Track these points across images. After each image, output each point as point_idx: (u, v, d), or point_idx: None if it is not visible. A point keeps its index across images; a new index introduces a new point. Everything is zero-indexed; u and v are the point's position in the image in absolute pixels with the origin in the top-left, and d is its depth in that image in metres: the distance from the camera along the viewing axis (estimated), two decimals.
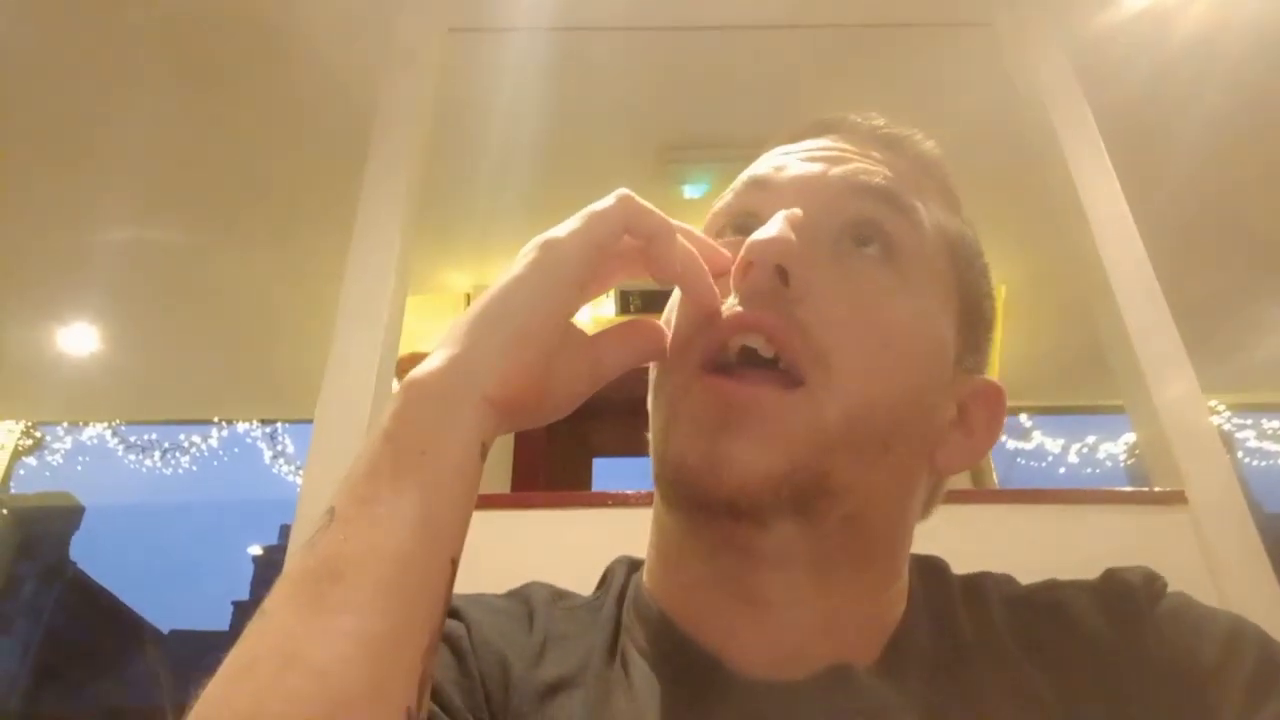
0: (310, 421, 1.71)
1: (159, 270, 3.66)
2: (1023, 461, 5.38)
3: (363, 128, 2.11)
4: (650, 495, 1.53)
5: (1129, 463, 5.35)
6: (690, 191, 2.99)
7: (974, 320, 0.62)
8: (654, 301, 3.58)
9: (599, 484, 3.49)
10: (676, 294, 0.59)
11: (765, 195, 0.59)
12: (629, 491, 1.47)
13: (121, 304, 3.88)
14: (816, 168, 0.60)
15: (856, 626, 0.54)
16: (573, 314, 0.51)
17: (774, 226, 0.52)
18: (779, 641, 0.53)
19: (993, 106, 2.55)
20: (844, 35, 2.57)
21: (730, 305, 0.54)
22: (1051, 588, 0.58)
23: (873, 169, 0.59)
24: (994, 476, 3.84)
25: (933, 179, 0.64)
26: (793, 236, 0.52)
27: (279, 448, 5.66)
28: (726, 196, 0.64)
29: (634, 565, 0.65)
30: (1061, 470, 5.43)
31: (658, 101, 2.84)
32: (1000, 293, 3.89)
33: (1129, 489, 1.59)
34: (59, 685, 14.54)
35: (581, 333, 0.53)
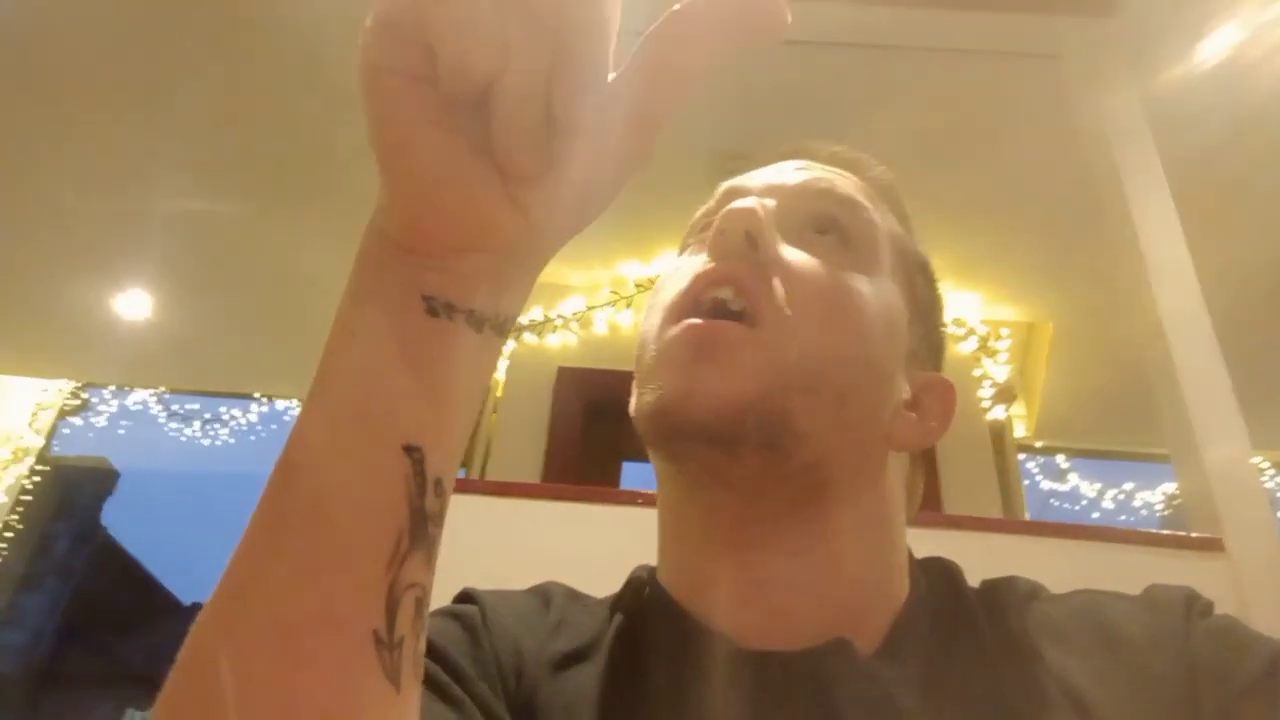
0: None
1: (215, 242, 3.74)
2: (1056, 503, 5.30)
3: None
4: None
5: (1165, 514, 5.24)
6: (741, 204, 2.99)
7: (925, 323, 0.67)
8: None
9: (627, 488, 3.50)
10: (656, 289, 0.65)
11: (739, 198, 0.65)
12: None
13: (176, 273, 3.97)
14: (782, 175, 0.68)
15: (850, 599, 0.57)
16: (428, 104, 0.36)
17: (745, 201, 0.60)
18: (774, 610, 0.57)
19: (1053, 139, 2.53)
20: (909, 57, 2.56)
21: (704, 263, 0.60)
22: (1086, 592, 0.60)
23: (830, 177, 0.67)
24: (1025, 514, 3.79)
25: (886, 197, 0.70)
26: (760, 209, 0.59)
27: None
28: (706, 204, 0.71)
29: (653, 571, 0.67)
30: (1095, 515, 5.34)
31: (718, 109, 2.84)
32: (1047, 329, 3.85)
33: (1165, 532, 1.56)
34: (82, 644, 14.82)
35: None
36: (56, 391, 5.07)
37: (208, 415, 5.86)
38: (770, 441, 0.55)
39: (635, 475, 3.50)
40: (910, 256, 0.68)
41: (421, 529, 0.36)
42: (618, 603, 0.65)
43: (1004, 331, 3.64)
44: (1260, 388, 2.27)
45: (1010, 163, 2.87)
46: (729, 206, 0.60)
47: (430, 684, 0.50)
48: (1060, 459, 5.18)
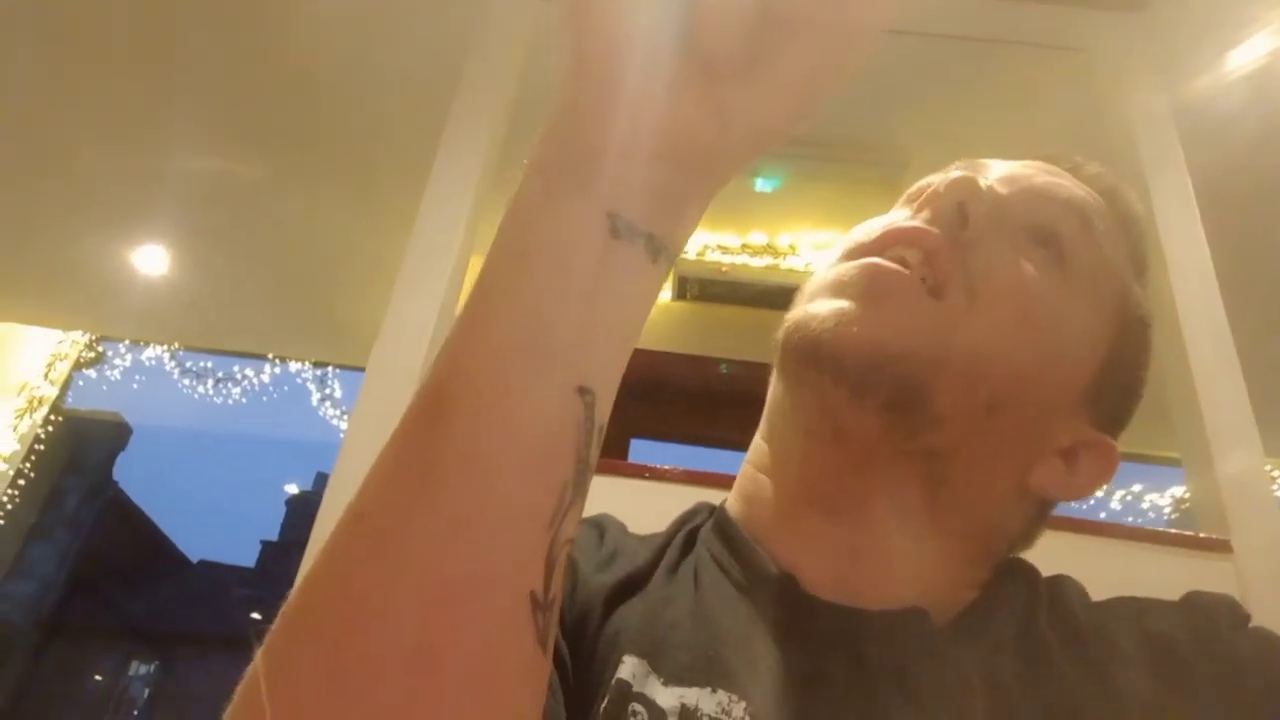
0: (362, 369, 1.74)
1: (234, 202, 3.74)
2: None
3: (449, 83, 2.13)
4: (687, 474, 1.50)
5: (1173, 517, 5.22)
6: (761, 185, 2.94)
7: (1116, 377, 0.60)
8: (711, 290, 3.57)
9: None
10: (832, 253, 0.61)
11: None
12: (667, 466, 1.48)
13: (195, 231, 3.97)
14: (1027, 171, 0.62)
15: (933, 587, 0.54)
16: None
17: (972, 174, 0.56)
18: (854, 569, 0.54)
19: (1078, 136, 2.50)
20: (938, 45, 2.53)
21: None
22: (1129, 598, 0.58)
23: (1077, 193, 0.61)
24: None
25: (1128, 237, 0.64)
26: (985, 187, 0.55)
27: (327, 391, 5.74)
28: (937, 174, 0.65)
29: (714, 508, 0.65)
30: (1102, 515, 5.31)
31: None
32: None
33: (1173, 531, 1.56)
34: (89, 597, 15.01)
35: None
36: (72, 343, 5.10)
37: (221, 374, 5.89)
38: (898, 405, 0.52)
39: (642, 452, 3.50)
40: (1131, 308, 0.61)
41: (584, 481, 0.33)
42: (677, 530, 0.63)
43: None
44: (1276, 395, 2.25)
45: (1033, 157, 2.84)
46: (954, 173, 0.57)
47: None
48: None
